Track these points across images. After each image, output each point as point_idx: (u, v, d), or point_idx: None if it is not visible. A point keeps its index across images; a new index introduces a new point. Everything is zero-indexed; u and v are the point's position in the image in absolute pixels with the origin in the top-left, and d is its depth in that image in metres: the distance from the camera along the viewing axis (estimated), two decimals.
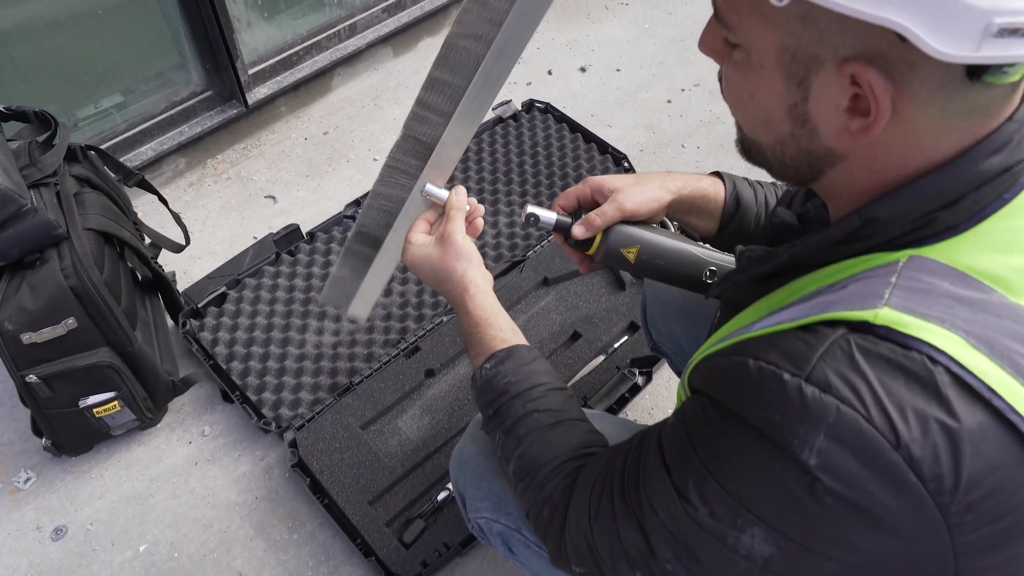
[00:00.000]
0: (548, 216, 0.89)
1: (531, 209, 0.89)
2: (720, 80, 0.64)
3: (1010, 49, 0.46)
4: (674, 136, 2.11)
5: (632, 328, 1.62)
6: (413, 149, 0.86)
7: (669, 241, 0.89)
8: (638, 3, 2.51)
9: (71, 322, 1.22)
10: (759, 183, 0.96)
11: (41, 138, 1.30)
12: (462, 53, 0.78)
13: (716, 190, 0.93)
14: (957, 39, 0.46)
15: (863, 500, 0.50)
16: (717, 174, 0.96)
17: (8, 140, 1.26)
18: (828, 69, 0.53)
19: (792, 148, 0.60)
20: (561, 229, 0.90)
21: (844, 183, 0.60)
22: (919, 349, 0.50)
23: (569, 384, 1.52)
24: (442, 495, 1.37)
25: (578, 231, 0.88)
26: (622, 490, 0.66)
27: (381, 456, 1.43)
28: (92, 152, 1.41)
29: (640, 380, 1.53)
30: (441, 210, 0.90)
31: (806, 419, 0.50)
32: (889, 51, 0.49)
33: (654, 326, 1.25)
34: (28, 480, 1.45)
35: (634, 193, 0.88)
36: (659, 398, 1.59)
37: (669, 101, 2.21)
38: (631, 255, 0.87)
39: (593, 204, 0.91)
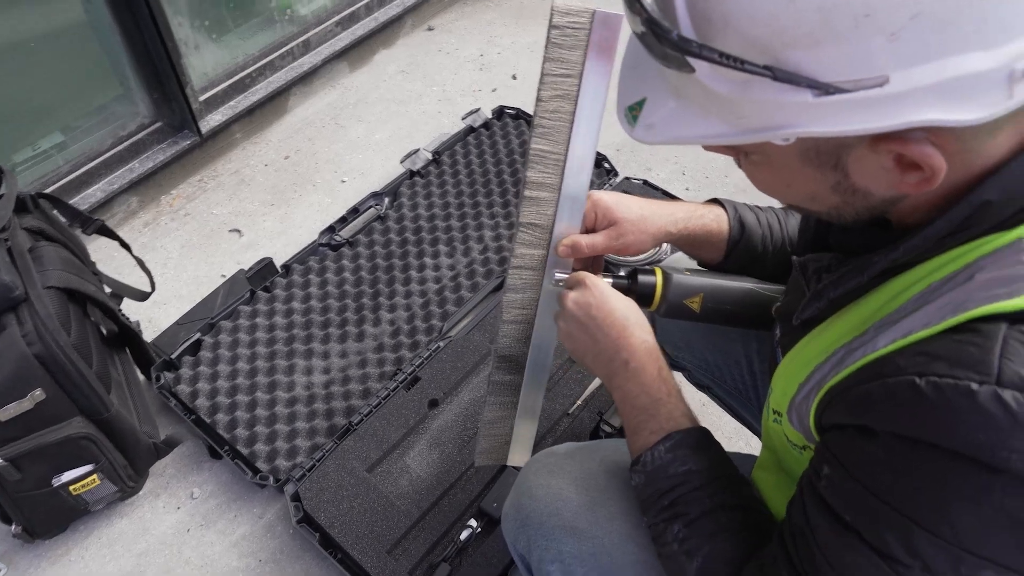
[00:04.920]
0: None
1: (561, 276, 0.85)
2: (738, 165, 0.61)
3: None
4: None
5: None
6: (532, 239, 0.84)
7: (732, 284, 0.85)
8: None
9: (38, 394, 1.08)
10: (758, 207, 0.93)
11: None
12: (554, 116, 0.77)
13: (719, 223, 0.90)
14: (986, 101, 0.44)
15: None
16: (716, 201, 0.92)
17: None
18: (860, 148, 0.50)
19: (849, 211, 0.58)
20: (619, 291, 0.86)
21: (913, 206, 0.57)
22: None
23: (581, 399, 1.46)
24: (464, 534, 1.28)
25: (563, 251, 0.85)
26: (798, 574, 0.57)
27: (393, 499, 1.32)
28: (43, 200, 1.27)
29: None
30: None
31: (1018, 429, 0.44)
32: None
33: (668, 340, 1.17)
34: None
35: (635, 229, 0.86)
36: None
37: None
38: (695, 304, 0.84)
39: (594, 221, 0.87)
